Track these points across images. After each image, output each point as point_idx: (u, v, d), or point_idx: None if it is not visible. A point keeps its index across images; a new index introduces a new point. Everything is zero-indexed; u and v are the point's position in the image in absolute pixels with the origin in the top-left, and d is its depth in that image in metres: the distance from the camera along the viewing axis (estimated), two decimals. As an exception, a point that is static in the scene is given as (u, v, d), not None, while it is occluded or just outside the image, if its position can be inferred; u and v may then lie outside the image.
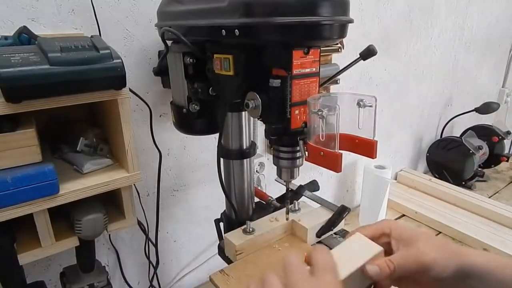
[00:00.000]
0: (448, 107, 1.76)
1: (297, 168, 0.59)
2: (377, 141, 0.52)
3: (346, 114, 0.52)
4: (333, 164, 0.48)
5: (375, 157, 0.53)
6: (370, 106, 0.51)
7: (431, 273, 0.44)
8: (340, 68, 0.61)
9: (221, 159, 0.66)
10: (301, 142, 0.54)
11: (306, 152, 0.53)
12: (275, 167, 0.60)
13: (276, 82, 0.49)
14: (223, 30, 0.50)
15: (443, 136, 1.70)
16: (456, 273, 0.45)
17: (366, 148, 0.53)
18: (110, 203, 0.64)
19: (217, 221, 0.75)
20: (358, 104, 0.51)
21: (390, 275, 0.43)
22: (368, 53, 0.55)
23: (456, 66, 1.70)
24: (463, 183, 1.55)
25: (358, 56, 0.55)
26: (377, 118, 0.52)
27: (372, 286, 0.44)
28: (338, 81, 1.13)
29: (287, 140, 0.56)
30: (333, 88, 1.15)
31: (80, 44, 0.51)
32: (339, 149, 0.48)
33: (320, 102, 0.49)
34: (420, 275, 0.45)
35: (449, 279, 0.45)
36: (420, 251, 0.45)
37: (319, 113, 0.46)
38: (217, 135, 0.63)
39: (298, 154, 0.57)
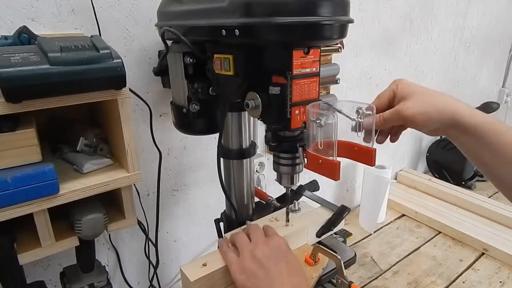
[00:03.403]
0: (448, 107, 1.76)
1: (296, 174, 0.60)
2: (375, 149, 0.53)
3: (345, 121, 0.53)
4: (332, 172, 0.48)
5: (374, 165, 0.53)
6: (369, 114, 0.51)
7: (415, 125, 0.52)
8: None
9: (221, 159, 0.66)
10: (300, 149, 0.55)
11: (305, 159, 0.53)
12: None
13: (275, 90, 0.49)
14: (223, 30, 0.50)
15: (443, 136, 1.70)
16: (444, 126, 0.52)
17: (365, 155, 0.54)
18: (110, 203, 0.64)
19: (217, 221, 0.75)
20: (357, 112, 0.52)
21: (381, 125, 0.54)
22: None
23: (456, 66, 1.70)
24: (463, 183, 1.56)
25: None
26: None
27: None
28: (338, 81, 1.13)
29: (286, 146, 0.56)
30: (333, 89, 1.15)
31: (80, 44, 0.51)
32: (338, 156, 0.48)
33: (319, 110, 0.49)
34: (409, 125, 0.54)
35: (437, 131, 0.53)
36: (404, 106, 0.52)
37: (318, 121, 0.47)
38: (217, 135, 0.63)
39: (297, 161, 0.57)
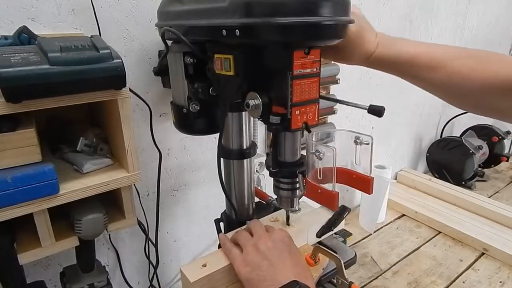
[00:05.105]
0: (448, 107, 1.76)
1: (297, 198, 0.61)
2: (373, 178, 0.54)
3: (344, 148, 0.55)
4: (330, 202, 0.50)
5: (371, 193, 0.54)
6: (367, 144, 0.52)
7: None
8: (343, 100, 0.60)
9: (221, 159, 0.66)
10: (300, 176, 0.56)
11: (305, 186, 0.54)
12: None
13: (276, 119, 0.50)
14: (224, 30, 0.50)
15: (443, 136, 1.70)
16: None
17: (363, 184, 0.55)
18: (110, 203, 0.64)
19: (217, 221, 0.75)
20: (355, 142, 0.53)
21: None
22: (375, 112, 0.55)
23: (456, 66, 1.70)
24: (463, 183, 1.55)
25: (367, 108, 0.55)
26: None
27: None
28: (338, 81, 1.13)
29: (286, 172, 0.58)
30: (333, 89, 1.15)
31: (80, 44, 0.51)
32: (337, 183, 0.50)
33: (318, 140, 0.50)
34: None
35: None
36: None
37: (317, 154, 0.48)
38: (217, 135, 0.63)
39: (297, 185, 0.59)
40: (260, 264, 0.52)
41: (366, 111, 0.53)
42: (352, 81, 1.25)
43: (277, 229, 0.60)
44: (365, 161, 0.55)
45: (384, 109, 0.53)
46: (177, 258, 1.00)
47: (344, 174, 0.56)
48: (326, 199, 0.50)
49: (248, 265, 0.53)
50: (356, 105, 0.55)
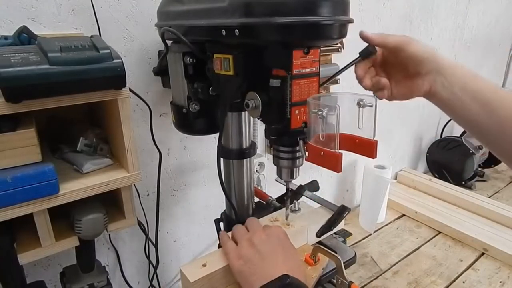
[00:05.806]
0: (448, 107, 1.76)
1: (297, 168, 0.60)
2: (377, 141, 0.52)
3: (346, 114, 0.52)
4: (333, 164, 0.48)
5: (375, 157, 0.53)
6: (371, 105, 0.51)
7: (412, 60, 0.53)
8: (340, 68, 0.61)
9: (221, 159, 0.66)
10: (301, 142, 0.54)
11: (306, 152, 0.53)
12: (275, 167, 0.60)
13: (276, 82, 0.49)
14: (223, 30, 0.50)
15: (443, 136, 1.70)
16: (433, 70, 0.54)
17: (366, 148, 0.53)
18: (110, 203, 0.64)
19: (217, 221, 0.75)
20: (358, 104, 0.51)
21: (381, 41, 0.53)
22: (368, 53, 0.55)
23: (456, 66, 1.70)
24: (463, 183, 1.55)
25: (358, 55, 0.55)
26: (377, 118, 0.52)
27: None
28: (338, 81, 1.13)
29: (287, 140, 0.56)
30: (333, 88, 1.15)
31: (80, 44, 0.51)
32: (339, 149, 0.48)
33: (320, 102, 0.48)
34: (405, 59, 0.53)
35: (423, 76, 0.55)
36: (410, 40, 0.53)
37: (319, 113, 0.46)
38: (217, 135, 0.63)
39: (298, 154, 0.57)
40: (252, 258, 0.53)
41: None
42: (352, 81, 1.24)
43: (273, 226, 0.60)
44: (369, 125, 0.53)
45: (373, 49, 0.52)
46: (177, 258, 1.00)
47: (347, 140, 0.54)
48: (329, 161, 0.48)
49: (241, 258, 0.54)
50: (349, 65, 0.56)
